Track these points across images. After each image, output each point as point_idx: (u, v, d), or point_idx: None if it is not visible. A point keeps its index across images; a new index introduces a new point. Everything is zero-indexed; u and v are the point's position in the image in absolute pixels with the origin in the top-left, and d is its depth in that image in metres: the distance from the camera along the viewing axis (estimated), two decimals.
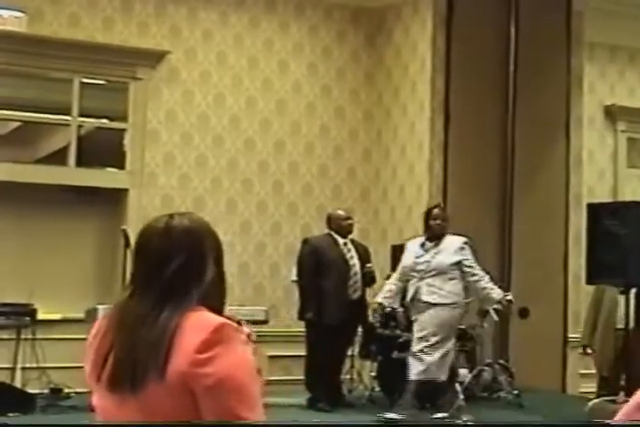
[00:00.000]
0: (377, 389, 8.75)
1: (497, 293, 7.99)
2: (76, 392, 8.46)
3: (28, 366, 8.29)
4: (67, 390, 8.41)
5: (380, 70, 10.82)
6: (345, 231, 8.66)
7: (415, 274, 7.99)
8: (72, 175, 9.64)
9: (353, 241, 8.76)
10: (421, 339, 7.79)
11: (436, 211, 8.19)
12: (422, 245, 8.10)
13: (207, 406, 2.15)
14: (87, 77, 9.76)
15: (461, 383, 8.24)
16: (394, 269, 9.30)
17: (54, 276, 9.44)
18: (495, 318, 8.46)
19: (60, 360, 8.47)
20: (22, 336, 8.28)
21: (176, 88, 10.02)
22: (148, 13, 9.94)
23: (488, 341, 9.45)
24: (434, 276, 7.93)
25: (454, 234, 8.13)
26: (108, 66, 9.75)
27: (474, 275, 7.94)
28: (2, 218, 9.36)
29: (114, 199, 9.83)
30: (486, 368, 8.90)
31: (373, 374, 8.87)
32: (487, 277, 8.03)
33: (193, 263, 2.28)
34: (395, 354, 8.34)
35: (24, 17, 9.30)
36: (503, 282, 9.48)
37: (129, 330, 2.23)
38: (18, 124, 9.99)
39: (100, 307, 8.29)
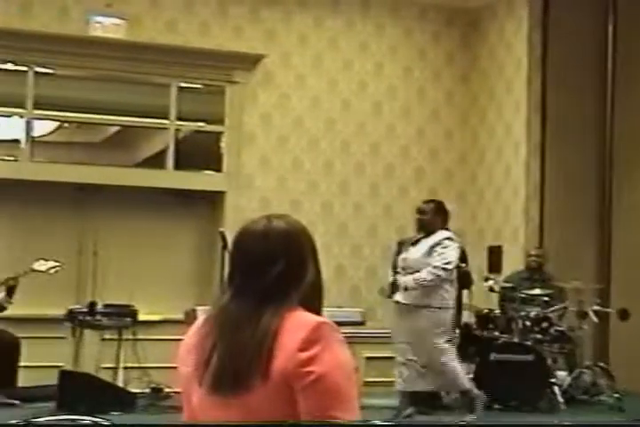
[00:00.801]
0: (475, 391, 8.68)
1: (406, 278, 7.50)
2: (176, 392, 8.59)
3: (129, 365, 8.43)
4: (167, 390, 8.54)
5: (475, 71, 10.76)
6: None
7: (400, 271, 7.73)
8: (170, 178, 9.78)
9: None
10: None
11: (420, 205, 7.86)
12: (416, 241, 7.77)
13: (305, 405, 2.16)
14: (184, 82, 9.90)
15: (560, 386, 8.14)
16: (490, 270, 9.26)
17: (154, 277, 9.60)
18: (595, 319, 8.33)
19: (160, 360, 8.60)
20: (124, 337, 8.42)
21: (272, 91, 10.10)
22: (244, 17, 10.04)
23: (588, 343, 9.31)
24: (410, 273, 7.57)
25: (446, 229, 7.73)
26: (204, 70, 9.87)
27: (429, 267, 7.45)
28: (104, 221, 9.54)
29: (211, 202, 9.95)
30: (586, 371, 8.77)
31: (471, 376, 8.81)
32: (429, 273, 7.43)
33: (293, 265, 2.28)
34: (493, 356, 8.28)
35: (124, 24, 9.48)
36: (602, 283, 9.33)
37: (231, 332, 2.24)
38: (118, 128, 10.18)
39: (199, 308, 8.38)
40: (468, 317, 8.71)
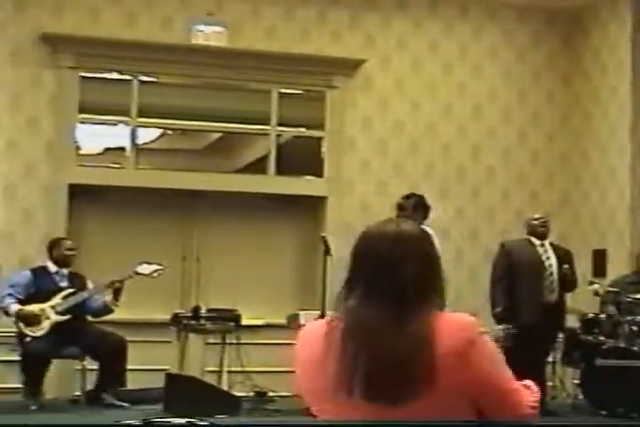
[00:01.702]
0: (580, 396, 8.56)
1: None
2: (280, 396, 8.66)
3: (233, 369, 8.52)
4: (271, 394, 8.60)
5: (577, 72, 10.60)
6: (539, 234, 8.54)
7: None
8: (272, 184, 9.87)
9: (552, 244, 8.62)
10: None
11: (399, 201, 7.67)
12: None
13: (483, 404, 2.16)
14: (285, 87, 9.98)
15: None
16: (595, 274, 9.11)
17: (257, 282, 9.68)
18: None
19: (263, 364, 8.68)
20: (227, 341, 8.52)
21: (372, 96, 10.10)
22: (343, 23, 10.08)
23: None
24: None
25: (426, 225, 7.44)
26: (304, 76, 9.94)
27: None
28: (207, 226, 9.67)
29: (313, 207, 10.00)
30: None
31: (577, 381, 8.69)
32: None
33: (428, 267, 2.26)
34: (598, 361, 8.15)
35: (225, 32, 9.59)
36: None
37: (374, 339, 2.16)
38: (220, 134, 10.30)
39: (301, 313, 8.45)
40: (572, 321, 8.59)
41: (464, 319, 2.20)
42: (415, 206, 7.56)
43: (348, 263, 2.32)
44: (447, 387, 2.12)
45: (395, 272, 2.22)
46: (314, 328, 2.33)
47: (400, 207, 7.57)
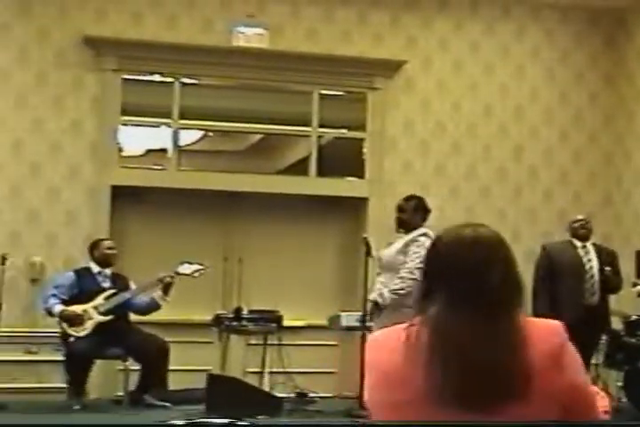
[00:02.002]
0: (623, 399, 8.49)
1: (380, 292, 7.11)
2: (321, 397, 8.67)
3: (274, 370, 8.54)
4: (311, 395, 8.62)
5: (620, 73, 10.51)
6: (581, 236, 8.48)
7: (378, 270, 7.45)
8: (313, 185, 9.88)
9: (595, 245, 8.55)
10: None
11: (399, 202, 7.57)
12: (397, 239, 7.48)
13: (570, 408, 2.13)
14: (326, 89, 9.99)
15: None
16: (639, 275, 9.01)
17: (298, 283, 9.70)
18: None
19: (304, 366, 8.70)
20: (269, 342, 8.54)
21: (413, 97, 10.09)
22: (384, 24, 10.07)
23: None
24: (385, 272, 7.26)
25: (426, 227, 7.42)
26: (345, 77, 9.94)
27: (403, 267, 7.09)
28: (248, 227, 9.70)
29: (354, 208, 10.00)
30: None
31: (620, 384, 8.62)
32: (407, 276, 7.05)
33: (510, 272, 2.21)
34: None
35: (266, 33, 9.63)
36: None
37: (466, 348, 2.11)
38: (261, 136, 10.33)
39: (343, 314, 8.46)
40: (616, 323, 8.52)
41: (552, 324, 2.18)
42: (415, 209, 7.52)
43: (423, 270, 2.28)
44: (542, 392, 2.09)
45: (479, 278, 2.17)
46: (388, 336, 2.26)
47: (400, 210, 7.50)
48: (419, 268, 6.99)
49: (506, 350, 2.09)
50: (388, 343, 2.23)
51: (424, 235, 7.27)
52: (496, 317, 2.13)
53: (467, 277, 2.18)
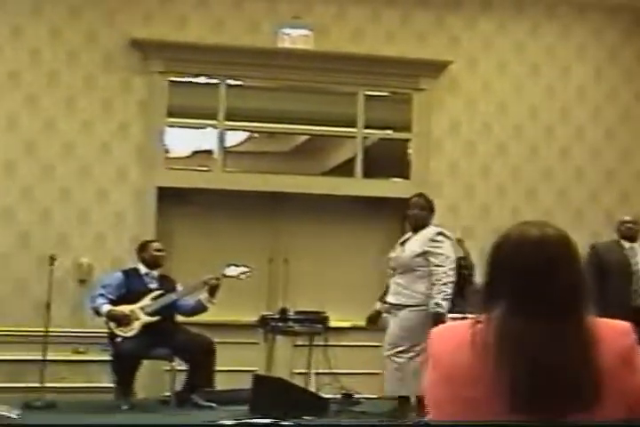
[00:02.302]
0: None
1: (435, 302, 7.11)
2: (367, 398, 8.67)
3: (320, 371, 8.55)
4: (357, 396, 8.61)
5: None
6: (628, 236, 8.41)
7: (390, 271, 7.43)
8: (359, 186, 9.88)
9: None
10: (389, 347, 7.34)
11: (413, 199, 7.50)
12: (406, 238, 7.45)
13: (636, 410, 2.10)
14: (371, 90, 9.99)
15: None
16: None
17: (343, 284, 9.70)
18: None
19: (350, 366, 8.70)
20: (315, 343, 8.55)
21: (458, 97, 10.06)
22: (428, 24, 10.05)
23: None
24: (401, 273, 7.26)
25: (437, 225, 7.45)
26: (391, 78, 9.93)
27: (435, 270, 7.13)
28: (294, 229, 9.72)
29: (399, 209, 9.95)
30: None
31: None
32: (445, 280, 7.12)
33: (578, 272, 2.19)
34: None
35: (311, 35, 9.65)
36: None
37: (535, 351, 2.08)
38: (306, 137, 10.35)
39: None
40: None
41: (621, 324, 2.16)
42: (428, 206, 7.57)
43: (486, 269, 2.26)
44: (613, 394, 2.06)
45: (545, 278, 2.14)
46: (454, 331, 2.24)
47: (419, 206, 7.46)
48: (452, 268, 7.13)
49: (575, 352, 2.06)
50: (453, 339, 2.19)
51: (440, 234, 7.31)
52: (563, 318, 2.10)
53: (532, 277, 2.15)
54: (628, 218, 8.56)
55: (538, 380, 2.05)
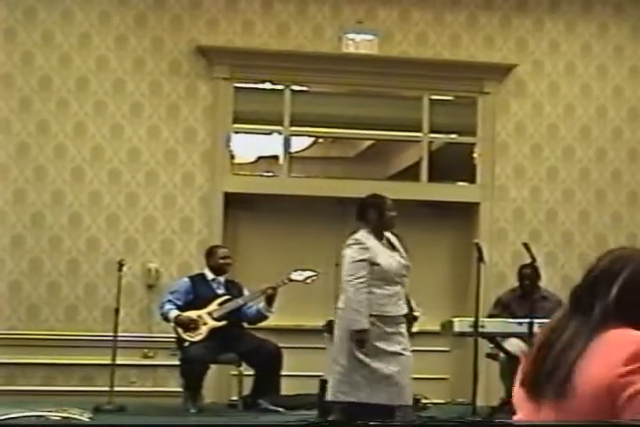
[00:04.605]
0: None
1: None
2: (434, 403, 8.63)
3: None
4: (424, 401, 8.57)
5: None
6: None
7: (398, 280, 7.22)
8: (424, 190, 9.85)
9: None
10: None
11: (390, 201, 7.23)
12: (390, 243, 7.23)
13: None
14: (436, 94, 9.95)
15: None
16: None
17: (410, 289, 9.65)
18: None
19: (417, 371, 8.64)
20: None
21: (524, 100, 9.98)
22: (494, 27, 9.99)
23: None
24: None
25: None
26: (455, 82, 9.89)
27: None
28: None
29: (465, 213, 9.93)
30: None
31: None
32: None
33: (634, 284, 2.33)
34: None
35: (375, 39, 9.64)
36: None
37: (551, 351, 2.29)
38: (371, 142, 10.36)
39: (455, 320, 8.39)
40: None
41: (637, 336, 2.22)
42: None
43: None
44: (595, 394, 2.18)
45: (594, 289, 2.32)
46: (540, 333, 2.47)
47: (391, 208, 7.28)
48: None
49: (572, 359, 2.22)
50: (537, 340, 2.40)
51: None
52: (593, 328, 2.24)
53: (591, 286, 2.32)
54: None
55: (537, 366, 2.28)
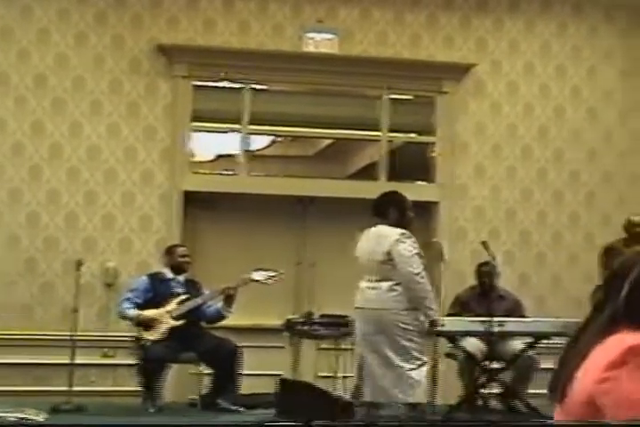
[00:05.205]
0: None
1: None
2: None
3: (346, 375, 8.55)
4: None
5: None
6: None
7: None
8: (383, 189, 9.81)
9: None
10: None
11: (410, 202, 7.61)
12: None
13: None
14: (395, 93, 9.97)
15: None
16: None
17: None
18: None
19: None
20: (340, 346, 8.54)
21: (483, 100, 10.03)
22: (454, 27, 10.03)
23: None
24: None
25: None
26: (415, 81, 9.92)
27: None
28: (319, 232, 9.72)
29: (425, 212, 9.95)
30: None
31: None
32: None
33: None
34: None
35: (335, 38, 9.65)
36: None
37: (566, 350, 2.37)
38: (330, 141, 10.37)
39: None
40: None
41: (627, 341, 2.24)
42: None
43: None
44: (584, 398, 2.23)
45: (607, 290, 2.37)
46: None
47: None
48: None
49: (576, 362, 2.26)
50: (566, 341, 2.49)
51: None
52: (601, 330, 2.28)
53: (609, 287, 2.39)
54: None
55: (558, 367, 2.36)
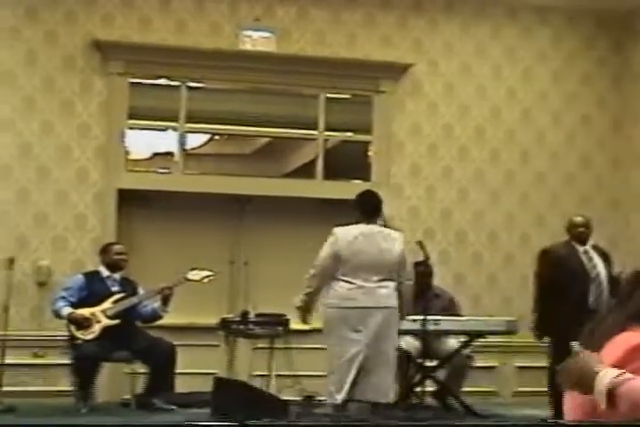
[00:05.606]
0: None
1: None
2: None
3: (281, 373, 8.54)
4: (319, 398, 8.60)
5: (627, 76, 10.49)
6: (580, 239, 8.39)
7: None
8: (319, 188, 9.88)
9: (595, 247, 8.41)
10: None
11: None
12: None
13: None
14: (332, 92, 9.99)
15: None
16: None
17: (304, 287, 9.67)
18: None
19: (311, 369, 8.68)
20: (276, 345, 8.54)
21: (420, 100, 10.08)
22: (391, 27, 10.07)
23: None
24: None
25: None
26: (352, 80, 9.94)
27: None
28: (255, 231, 9.70)
29: None
30: None
31: None
32: None
33: None
34: None
35: (273, 37, 9.64)
36: None
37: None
38: (267, 139, 10.35)
39: None
40: None
41: (635, 340, 2.36)
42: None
43: None
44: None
45: (632, 290, 2.52)
46: None
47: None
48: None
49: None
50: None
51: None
52: (615, 327, 2.42)
53: (623, 288, 2.56)
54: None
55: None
